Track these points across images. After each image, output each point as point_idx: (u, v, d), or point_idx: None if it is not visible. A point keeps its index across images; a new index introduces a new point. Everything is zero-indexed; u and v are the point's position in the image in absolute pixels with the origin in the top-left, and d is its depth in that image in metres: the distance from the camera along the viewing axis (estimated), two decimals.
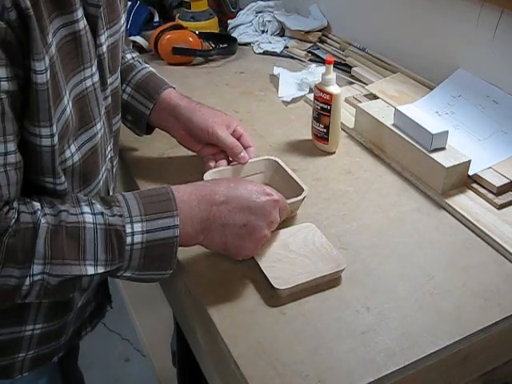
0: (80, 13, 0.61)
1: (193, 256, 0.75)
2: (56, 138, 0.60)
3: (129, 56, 0.95)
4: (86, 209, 0.61)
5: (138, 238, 0.61)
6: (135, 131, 0.95)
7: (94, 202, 0.63)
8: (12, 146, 0.55)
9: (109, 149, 0.76)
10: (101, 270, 0.61)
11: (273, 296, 0.69)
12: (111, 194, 0.80)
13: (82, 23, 0.62)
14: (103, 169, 0.73)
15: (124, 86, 0.90)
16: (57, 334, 0.75)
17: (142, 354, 1.81)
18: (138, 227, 0.62)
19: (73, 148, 0.65)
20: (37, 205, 0.59)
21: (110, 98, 0.73)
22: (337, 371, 0.60)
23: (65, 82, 0.61)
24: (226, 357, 0.64)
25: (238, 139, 0.88)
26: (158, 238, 0.62)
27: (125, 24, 0.77)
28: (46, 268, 0.57)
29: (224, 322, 0.66)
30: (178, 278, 0.76)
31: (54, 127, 0.59)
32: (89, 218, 0.61)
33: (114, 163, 0.81)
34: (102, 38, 0.67)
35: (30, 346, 0.72)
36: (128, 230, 0.61)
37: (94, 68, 0.66)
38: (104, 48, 0.68)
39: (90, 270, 0.60)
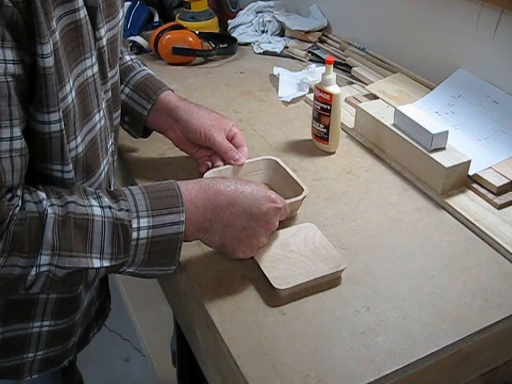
0: (81, 1, 0.61)
1: (192, 256, 0.75)
2: (63, 123, 0.60)
3: (127, 57, 0.95)
4: (94, 201, 0.62)
5: (143, 234, 0.62)
6: (132, 133, 0.94)
7: (101, 195, 0.63)
8: (18, 131, 0.55)
9: (110, 142, 0.76)
10: (106, 263, 0.61)
11: (273, 296, 0.69)
12: (112, 188, 0.80)
13: (83, 12, 0.62)
14: (105, 161, 0.73)
15: (122, 86, 0.90)
16: (65, 334, 0.75)
17: (142, 354, 1.81)
18: (144, 222, 0.62)
19: (79, 139, 0.65)
20: (42, 194, 0.59)
21: (110, 92, 0.74)
22: (337, 371, 0.60)
23: (68, 71, 0.61)
24: (226, 357, 0.64)
25: (231, 138, 0.89)
26: (164, 233, 0.63)
27: (123, 19, 0.78)
28: (53, 259, 0.57)
29: (224, 321, 0.66)
30: (177, 277, 0.76)
31: (61, 112, 0.59)
32: (97, 211, 0.61)
33: (115, 158, 0.81)
34: (102, 31, 0.68)
35: (39, 345, 0.72)
36: (134, 224, 0.61)
37: (94, 58, 0.66)
38: (104, 41, 0.69)
39: (96, 263, 0.60)
